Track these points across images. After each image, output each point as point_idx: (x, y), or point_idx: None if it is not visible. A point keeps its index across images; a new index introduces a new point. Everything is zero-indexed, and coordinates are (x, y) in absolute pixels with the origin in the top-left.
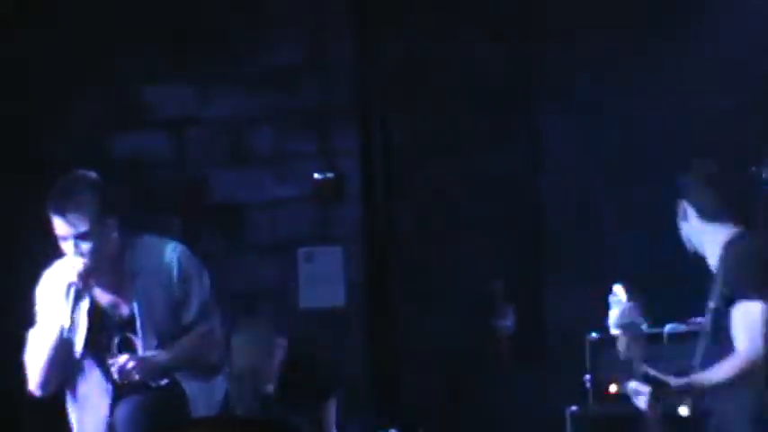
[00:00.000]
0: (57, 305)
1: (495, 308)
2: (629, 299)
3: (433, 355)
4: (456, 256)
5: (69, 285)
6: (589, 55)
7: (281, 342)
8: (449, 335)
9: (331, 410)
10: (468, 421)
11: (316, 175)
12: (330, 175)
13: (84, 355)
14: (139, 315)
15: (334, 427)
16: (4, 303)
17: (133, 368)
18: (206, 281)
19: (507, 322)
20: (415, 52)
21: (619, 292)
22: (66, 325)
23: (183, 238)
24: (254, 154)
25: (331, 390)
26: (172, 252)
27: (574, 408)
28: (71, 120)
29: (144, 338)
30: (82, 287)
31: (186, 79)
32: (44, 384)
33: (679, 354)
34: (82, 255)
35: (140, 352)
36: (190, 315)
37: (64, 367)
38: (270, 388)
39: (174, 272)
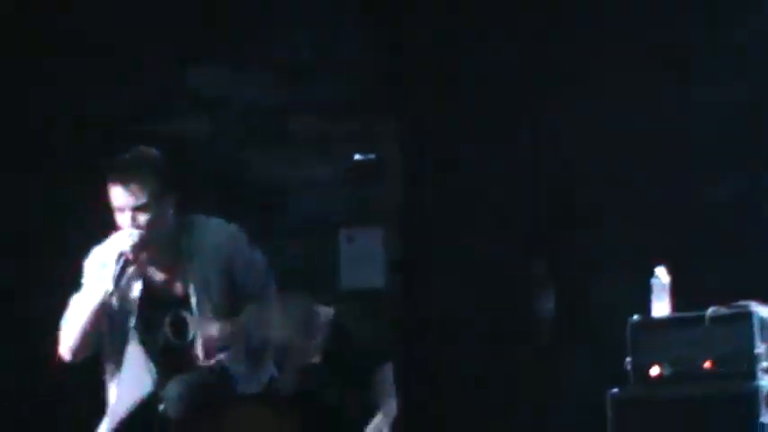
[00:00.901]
0: (104, 273)
1: (536, 290)
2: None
3: (472, 337)
4: (496, 237)
5: (120, 254)
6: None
7: (325, 315)
8: (488, 316)
9: (383, 383)
10: (507, 404)
11: (357, 156)
12: (371, 156)
13: (133, 332)
14: (194, 294)
15: (390, 398)
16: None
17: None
18: (261, 261)
19: (548, 304)
20: (445, 39)
21: (661, 275)
22: (110, 290)
23: None
24: (295, 135)
25: (380, 364)
26: (228, 232)
27: (615, 390)
28: (112, 105)
29: (199, 317)
30: (132, 259)
31: (226, 61)
32: (75, 349)
33: (721, 337)
34: (138, 227)
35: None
36: (246, 294)
37: (99, 336)
38: (314, 362)
39: (231, 251)
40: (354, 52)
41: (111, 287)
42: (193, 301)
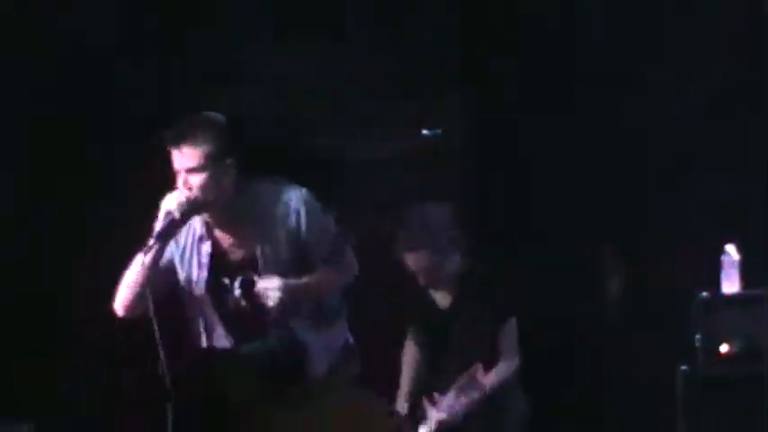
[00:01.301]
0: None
1: (604, 268)
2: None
3: (539, 316)
4: (564, 214)
5: (167, 213)
6: None
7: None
8: (556, 295)
9: (510, 336)
10: (578, 382)
11: (424, 132)
12: (438, 131)
13: (205, 297)
14: (261, 256)
15: (513, 352)
16: None
17: (271, 292)
18: (330, 221)
19: (617, 282)
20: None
21: (731, 252)
22: (150, 244)
23: None
24: (361, 111)
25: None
26: (294, 195)
27: (684, 367)
28: (173, 78)
29: (267, 279)
30: (180, 219)
31: (289, 36)
32: (126, 306)
33: None
34: (189, 189)
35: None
36: (315, 255)
37: (142, 294)
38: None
39: (297, 213)
40: (424, 23)
41: (151, 242)
42: (261, 263)
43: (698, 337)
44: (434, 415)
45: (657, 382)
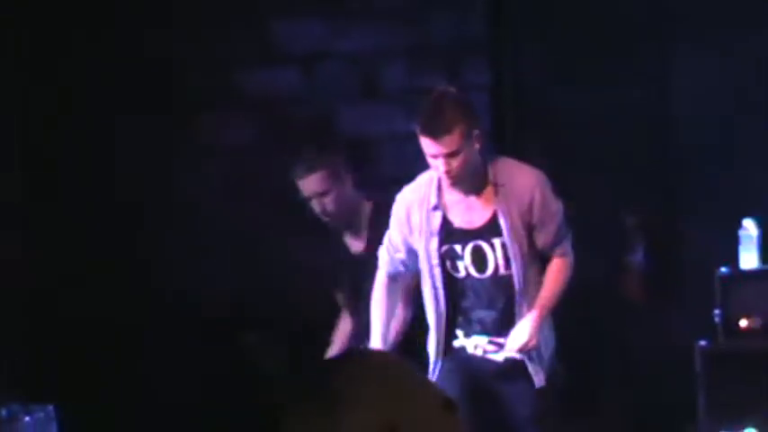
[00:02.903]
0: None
1: (627, 242)
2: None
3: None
4: (587, 190)
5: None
6: None
7: None
8: (579, 269)
9: None
10: (598, 354)
11: None
12: None
13: (431, 267)
14: (502, 218)
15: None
16: None
17: (532, 345)
18: (560, 212)
19: (638, 257)
20: None
21: (749, 227)
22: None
23: None
24: (385, 89)
25: None
26: (534, 174)
27: (703, 342)
28: (203, 57)
29: (509, 245)
30: (438, 202)
31: (317, 14)
32: None
33: None
34: (448, 172)
35: (492, 261)
36: (545, 240)
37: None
38: None
39: (535, 193)
40: (450, 6)
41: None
42: (503, 226)
43: (717, 312)
44: None
45: (676, 357)
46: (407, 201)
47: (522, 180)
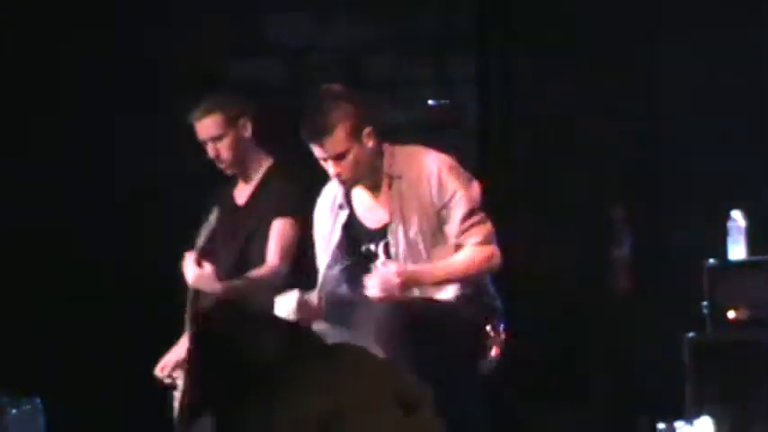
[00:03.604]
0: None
1: (613, 235)
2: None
3: (549, 282)
4: (573, 182)
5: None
6: None
7: None
8: (565, 261)
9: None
10: (584, 347)
11: (430, 102)
12: (445, 101)
13: (332, 264)
14: (397, 221)
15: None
16: None
17: (396, 283)
18: (470, 195)
19: (625, 249)
20: None
21: (737, 218)
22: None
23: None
24: (370, 80)
25: None
26: (430, 161)
27: (692, 334)
28: (188, 47)
29: (402, 245)
30: (343, 202)
31: (304, 5)
32: None
33: None
34: (339, 175)
35: (396, 257)
36: (451, 228)
37: None
38: None
39: (431, 182)
40: None
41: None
42: (395, 229)
43: (705, 303)
44: None
45: (664, 350)
46: (316, 211)
47: (418, 169)
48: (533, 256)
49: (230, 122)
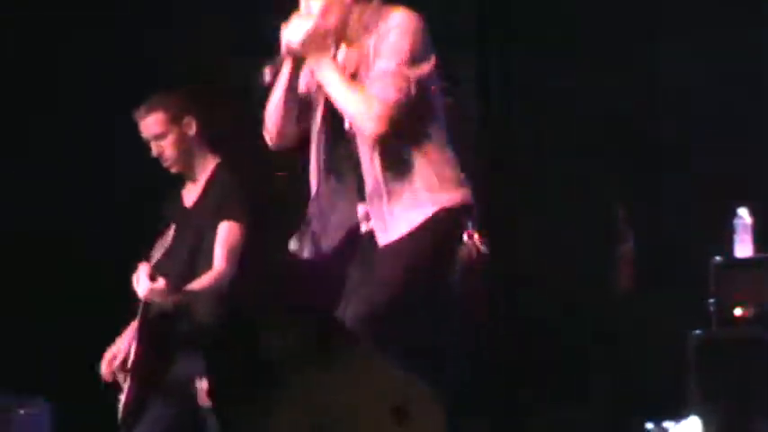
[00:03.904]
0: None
1: (615, 233)
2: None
3: (551, 277)
4: (574, 180)
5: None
6: None
7: None
8: (567, 257)
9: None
10: (588, 345)
11: None
12: (447, 100)
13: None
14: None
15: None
16: None
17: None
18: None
19: (629, 246)
20: None
21: (743, 215)
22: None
23: None
24: None
25: None
26: (400, 14)
27: (697, 332)
28: (188, 47)
29: None
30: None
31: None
32: (278, 131)
33: None
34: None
35: None
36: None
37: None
38: None
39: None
40: None
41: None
42: None
43: (711, 300)
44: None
45: (670, 347)
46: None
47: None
48: (533, 255)
49: (173, 120)
